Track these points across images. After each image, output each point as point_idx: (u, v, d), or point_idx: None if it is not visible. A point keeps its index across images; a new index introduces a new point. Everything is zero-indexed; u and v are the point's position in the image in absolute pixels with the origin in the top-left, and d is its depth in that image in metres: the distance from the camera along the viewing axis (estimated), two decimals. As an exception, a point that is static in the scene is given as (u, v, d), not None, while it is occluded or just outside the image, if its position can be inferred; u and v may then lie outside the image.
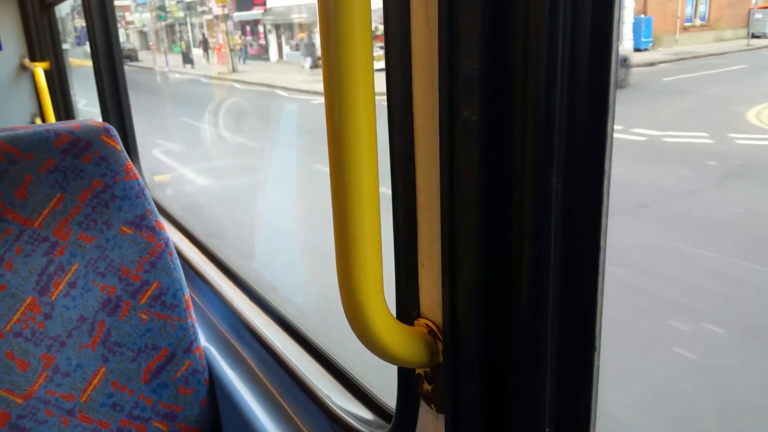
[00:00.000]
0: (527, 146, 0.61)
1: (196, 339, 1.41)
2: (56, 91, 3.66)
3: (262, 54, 27.37)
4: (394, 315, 0.77)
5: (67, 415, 1.30)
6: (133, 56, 30.19)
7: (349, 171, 0.64)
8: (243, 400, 1.31)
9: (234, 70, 24.40)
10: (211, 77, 24.44)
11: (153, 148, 10.93)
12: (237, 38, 27.61)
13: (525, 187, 0.62)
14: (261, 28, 27.27)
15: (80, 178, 1.33)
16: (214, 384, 1.44)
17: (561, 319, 0.65)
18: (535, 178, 0.61)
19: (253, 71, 23.98)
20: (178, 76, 25.98)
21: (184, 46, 29.82)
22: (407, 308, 0.80)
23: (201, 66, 27.69)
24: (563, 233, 0.62)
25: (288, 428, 1.20)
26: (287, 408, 1.25)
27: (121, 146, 1.38)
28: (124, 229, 1.36)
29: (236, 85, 21.05)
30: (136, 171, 1.39)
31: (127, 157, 1.39)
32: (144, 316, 1.36)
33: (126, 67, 2.53)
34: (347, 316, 0.71)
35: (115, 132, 1.38)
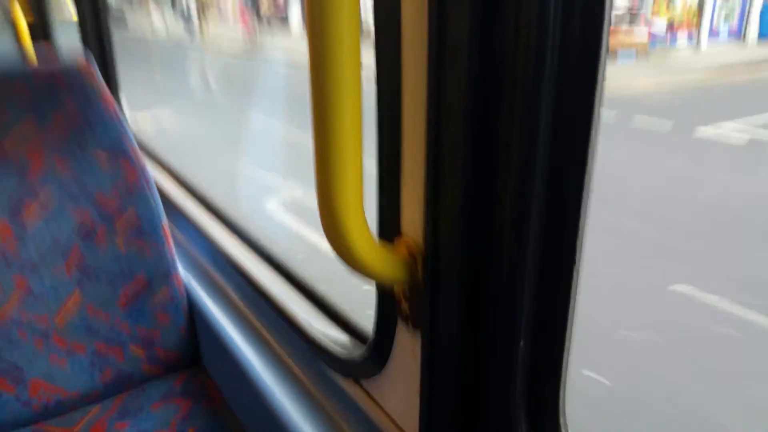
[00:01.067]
0: (518, 67, 0.59)
1: (174, 267, 1.40)
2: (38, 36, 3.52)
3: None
4: (375, 233, 0.76)
5: (41, 336, 1.30)
6: (120, 19, 23.76)
7: (329, 79, 0.61)
8: (221, 326, 1.32)
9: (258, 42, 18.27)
10: (237, 55, 17.08)
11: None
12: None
13: (514, 104, 0.61)
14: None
15: (53, 101, 1.29)
16: (193, 311, 1.44)
17: (542, 237, 0.65)
18: (526, 93, 0.60)
19: (288, 43, 17.79)
20: (189, 52, 18.24)
21: (186, 9, 22.38)
22: (388, 227, 0.79)
23: (212, 35, 20.37)
24: (550, 153, 0.61)
25: (265, 352, 1.21)
26: (265, 333, 1.26)
27: (96, 71, 1.34)
28: (99, 154, 1.32)
29: (281, 70, 14.57)
30: (111, 96, 1.34)
31: (103, 81, 1.34)
32: (120, 242, 1.34)
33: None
34: (326, 233, 0.70)
35: (90, 55, 1.34)
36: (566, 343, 0.67)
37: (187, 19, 21.69)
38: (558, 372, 0.68)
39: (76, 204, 1.31)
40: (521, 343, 0.67)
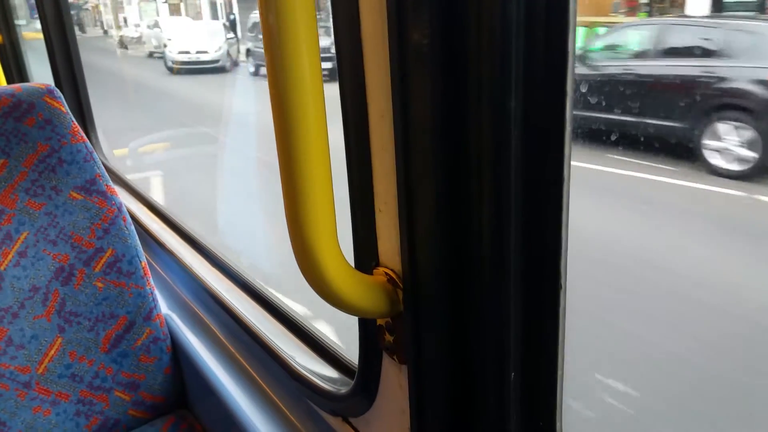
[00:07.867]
0: (483, 71, 0.56)
1: (156, 306, 1.35)
2: (10, 66, 3.50)
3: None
4: (352, 264, 0.73)
5: (23, 387, 1.25)
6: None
7: (294, 107, 0.59)
8: (207, 366, 1.27)
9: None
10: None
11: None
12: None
13: (482, 117, 0.58)
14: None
15: (24, 143, 1.26)
16: (177, 351, 1.39)
17: (524, 259, 0.61)
18: (492, 106, 0.57)
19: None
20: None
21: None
22: (365, 256, 0.75)
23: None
24: (524, 166, 0.58)
25: (253, 392, 1.17)
26: (252, 372, 1.21)
27: (66, 108, 1.30)
28: (74, 194, 1.29)
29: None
30: (83, 134, 1.31)
31: (74, 119, 1.31)
32: (99, 284, 1.30)
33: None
34: (300, 266, 0.67)
35: (59, 93, 1.30)
36: (559, 371, 0.64)
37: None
38: (553, 401, 0.65)
39: (54, 248, 1.27)
40: (512, 376, 0.63)
